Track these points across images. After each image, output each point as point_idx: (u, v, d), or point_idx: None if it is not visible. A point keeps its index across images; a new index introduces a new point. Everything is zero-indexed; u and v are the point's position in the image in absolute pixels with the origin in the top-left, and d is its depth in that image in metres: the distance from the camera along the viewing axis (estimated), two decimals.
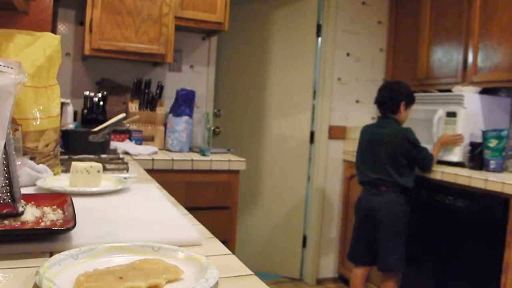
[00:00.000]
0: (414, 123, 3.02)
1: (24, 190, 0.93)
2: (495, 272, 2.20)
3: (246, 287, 0.68)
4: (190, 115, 2.76)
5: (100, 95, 2.70)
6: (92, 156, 1.86)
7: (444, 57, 3.01)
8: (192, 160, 2.46)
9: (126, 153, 2.38)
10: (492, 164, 2.56)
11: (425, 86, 3.17)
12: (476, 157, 2.64)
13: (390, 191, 2.53)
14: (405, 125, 2.67)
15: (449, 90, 2.90)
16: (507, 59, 2.57)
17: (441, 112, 2.83)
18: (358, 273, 2.71)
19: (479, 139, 2.67)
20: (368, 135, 2.69)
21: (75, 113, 2.64)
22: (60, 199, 0.98)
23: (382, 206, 2.52)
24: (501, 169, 2.57)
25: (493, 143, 2.57)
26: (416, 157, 2.55)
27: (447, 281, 2.51)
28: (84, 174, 1.25)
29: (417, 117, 3.05)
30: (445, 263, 2.53)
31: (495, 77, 2.65)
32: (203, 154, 2.60)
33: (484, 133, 2.63)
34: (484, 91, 2.79)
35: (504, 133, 2.57)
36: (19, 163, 1.16)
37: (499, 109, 2.82)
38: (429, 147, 2.74)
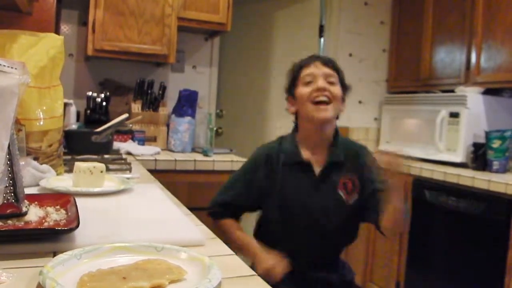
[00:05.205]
0: (417, 124, 3.01)
1: (27, 190, 0.93)
2: (499, 273, 2.19)
3: None
4: (192, 115, 2.76)
5: (103, 95, 2.70)
6: (95, 157, 1.87)
7: (447, 58, 3.01)
8: (195, 161, 2.46)
9: (129, 153, 2.38)
10: (496, 165, 2.55)
11: (428, 86, 3.16)
12: (479, 158, 2.63)
13: None
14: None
15: (452, 91, 2.89)
16: (510, 59, 2.56)
17: (444, 112, 2.82)
18: None
19: (482, 140, 2.66)
20: None
21: (78, 114, 2.65)
22: (63, 199, 0.98)
23: None
24: (504, 170, 2.56)
25: (496, 143, 2.56)
26: None
27: (450, 282, 2.50)
28: (87, 174, 1.25)
29: (420, 118, 3.05)
30: (448, 264, 2.52)
31: (498, 77, 2.64)
32: (206, 155, 2.60)
33: (488, 133, 2.62)
34: (487, 92, 2.78)
35: (508, 133, 2.56)
36: (23, 163, 1.17)
37: (502, 109, 2.81)
38: (432, 149, 2.73)
